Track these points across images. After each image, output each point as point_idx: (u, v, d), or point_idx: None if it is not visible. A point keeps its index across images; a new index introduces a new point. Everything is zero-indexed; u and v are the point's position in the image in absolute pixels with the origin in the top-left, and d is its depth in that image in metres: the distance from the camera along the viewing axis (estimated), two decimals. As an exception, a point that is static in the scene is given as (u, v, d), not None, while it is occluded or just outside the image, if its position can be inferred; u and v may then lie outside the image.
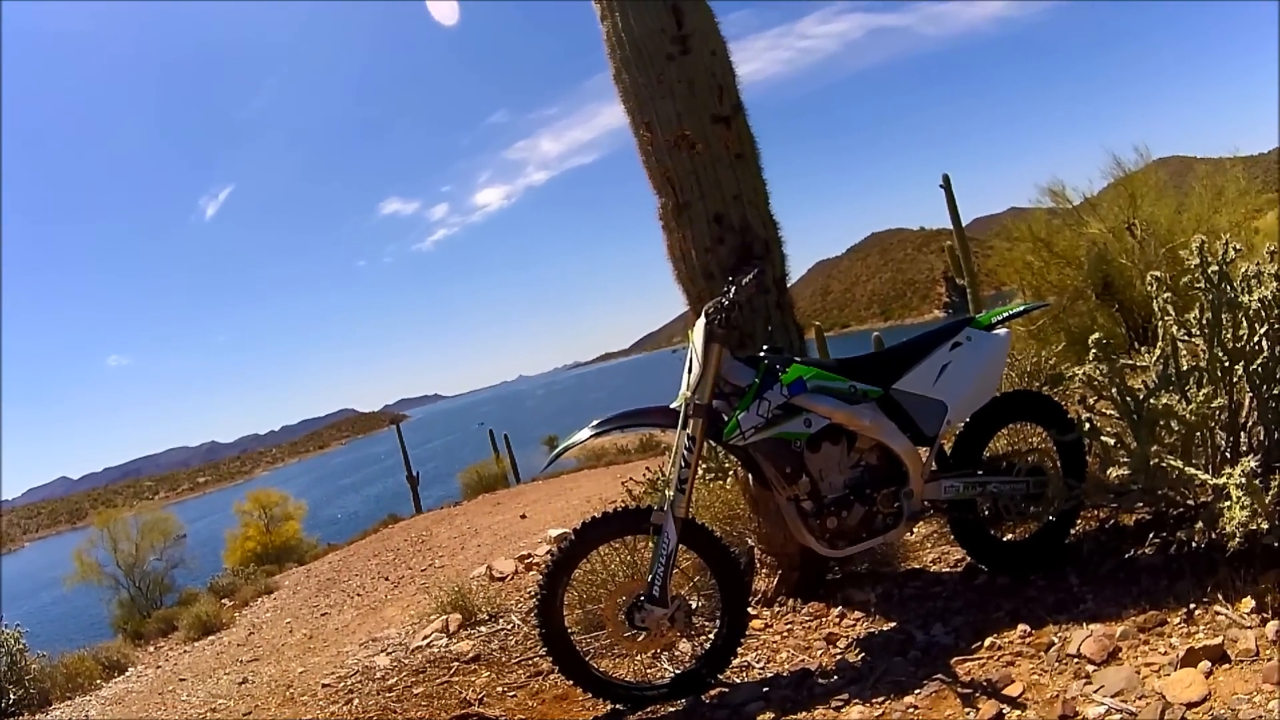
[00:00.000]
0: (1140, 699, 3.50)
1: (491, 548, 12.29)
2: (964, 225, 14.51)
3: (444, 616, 6.98)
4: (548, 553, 9.42)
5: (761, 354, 4.75)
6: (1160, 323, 4.49)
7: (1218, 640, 3.62)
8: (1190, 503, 4.38)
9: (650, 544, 4.61)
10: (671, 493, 4.52)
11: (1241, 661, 3.51)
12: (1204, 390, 4.14)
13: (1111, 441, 4.59)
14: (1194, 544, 4.20)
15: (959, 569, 5.49)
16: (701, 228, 5.33)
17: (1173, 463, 4.15)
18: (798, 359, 4.81)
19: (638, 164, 5.48)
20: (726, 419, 4.63)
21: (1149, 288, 4.60)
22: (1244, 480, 3.73)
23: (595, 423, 4.75)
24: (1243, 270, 4.30)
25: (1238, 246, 4.32)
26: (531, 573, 8.84)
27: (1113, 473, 4.40)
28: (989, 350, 4.97)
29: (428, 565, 12.76)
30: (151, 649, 12.80)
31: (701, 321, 4.56)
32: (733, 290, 4.61)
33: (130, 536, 22.46)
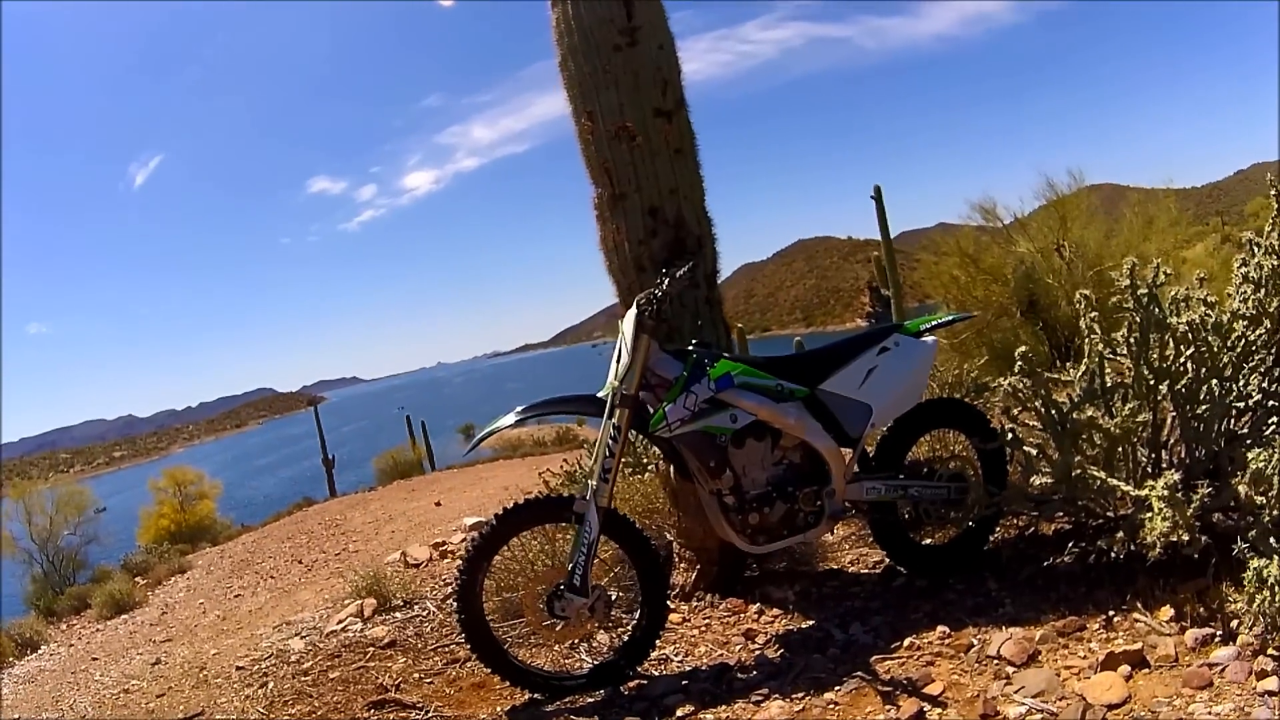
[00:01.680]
0: (1061, 700, 3.54)
1: (406, 534, 12.26)
2: (892, 238, 14.63)
3: (359, 601, 6.88)
4: (464, 541, 9.39)
5: (690, 348, 4.72)
6: (1086, 339, 4.58)
7: (1137, 646, 3.71)
8: (1109, 514, 4.49)
9: (571, 533, 4.56)
10: (594, 482, 4.47)
11: (1161, 667, 3.60)
12: (1129, 405, 4.25)
13: (1034, 452, 4.67)
14: (1113, 554, 4.25)
15: (877, 570, 5.52)
16: (636, 220, 5.30)
17: (1095, 473, 4.22)
18: (726, 355, 4.80)
19: (569, 157, 5.46)
20: (652, 410, 4.61)
21: (1077, 305, 4.65)
22: (1166, 493, 3.81)
23: (520, 409, 4.69)
24: (1171, 294, 4.40)
25: (1168, 271, 4.41)
26: (446, 560, 8.83)
27: (1036, 481, 4.45)
28: (915, 357, 5.01)
29: (341, 550, 12.68)
30: (64, 626, 12.51)
31: (632, 312, 4.53)
32: (666, 282, 4.58)
33: (45, 510, 21.95)
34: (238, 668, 6.25)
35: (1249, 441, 4.17)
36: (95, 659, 9.19)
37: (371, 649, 5.82)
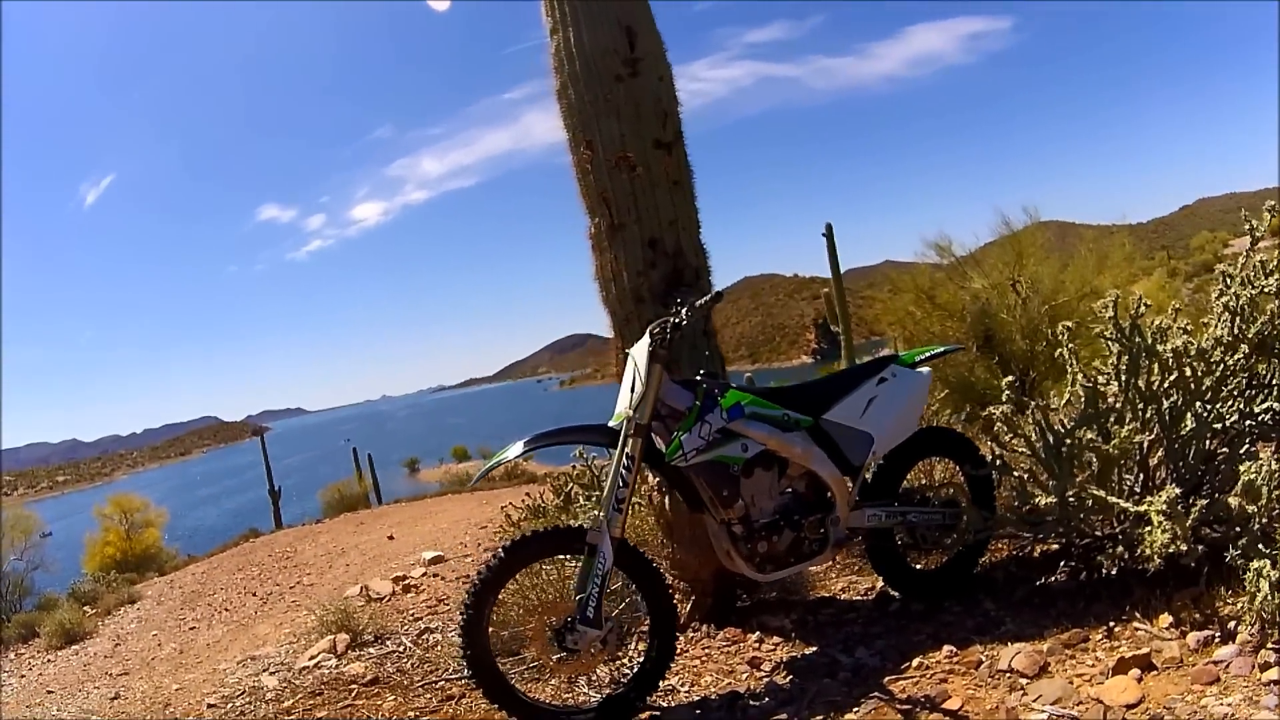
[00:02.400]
0: (1079, 704, 3.64)
1: (361, 568, 12.03)
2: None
3: (330, 637, 6.72)
4: (424, 575, 9.41)
5: (698, 378, 4.71)
6: (1069, 368, 4.75)
7: (1144, 651, 3.83)
8: (1098, 533, 4.63)
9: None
10: (607, 512, 4.40)
11: (1168, 668, 3.73)
12: (1128, 427, 4.38)
13: (1024, 476, 4.83)
14: (1106, 569, 4.43)
15: (870, 596, 5.56)
16: (635, 251, 5.29)
17: (1095, 493, 4.36)
18: (733, 385, 4.83)
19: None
20: (660, 441, 4.60)
21: (1060, 336, 4.81)
22: (1165, 507, 3.98)
23: (527, 439, 4.58)
24: (1155, 323, 4.55)
25: (1147, 302, 4.60)
26: (410, 594, 8.70)
27: (1040, 501, 4.57)
28: (913, 387, 5.09)
29: (295, 582, 12.43)
30: (13, 655, 12.10)
31: (646, 341, 4.50)
32: (685, 311, 4.54)
33: (-10, 533, 21.27)
34: (209, 705, 6.07)
35: (1229, 459, 4.39)
36: (50, 692, 8.84)
37: (355, 686, 5.67)
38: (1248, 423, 4.48)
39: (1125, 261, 11.77)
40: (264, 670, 6.65)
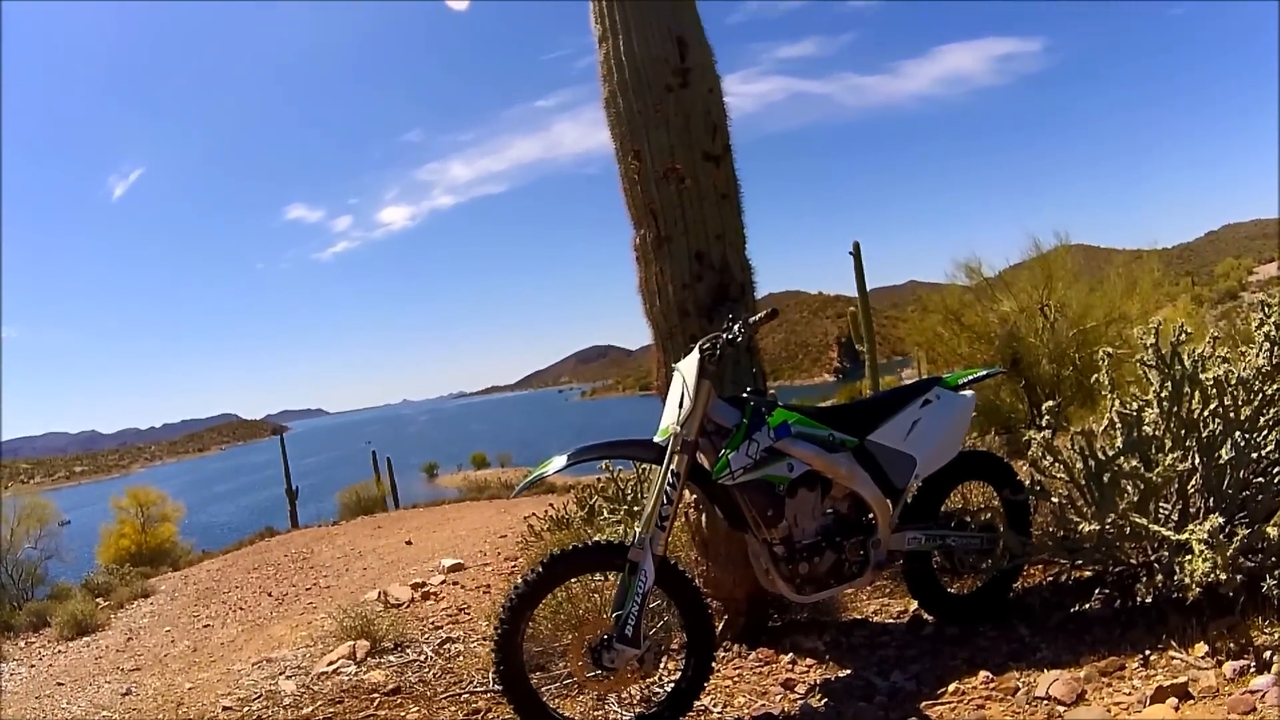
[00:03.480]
0: None
1: (379, 572, 11.96)
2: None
3: (350, 643, 6.62)
4: (443, 582, 9.34)
5: (745, 395, 4.66)
6: (1107, 395, 4.74)
7: (1181, 680, 3.80)
8: (1134, 560, 4.60)
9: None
10: (650, 530, 4.30)
11: (1204, 697, 3.68)
12: (1171, 455, 4.34)
13: (1062, 502, 4.81)
14: (1142, 597, 4.40)
15: (902, 620, 5.51)
16: (682, 263, 5.23)
17: (1138, 520, 4.34)
18: (780, 403, 4.75)
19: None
20: (705, 458, 4.51)
21: (1100, 363, 4.78)
22: (1208, 536, 3.97)
23: (571, 452, 4.51)
24: (1195, 351, 4.55)
25: (1189, 329, 4.58)
26: (429, 602, 8.61)
27: (1084, 528, 4.51)
28: (956, 410, 5.03)
29: (312, 584, 12.36)
30: (23, 643, 12.00)
31: (695, 356, 4.44)
32: (737, 327, 4.48)
33: (8, 520, 21.15)
34: (224, 707, 5.99)
35: (1265, 488, 4.37)
36: (60, 684, 8.78)
37: (376, 695, 5.59)
38: None
39: (1153, 288, 11.67)
40: (281, 674, 6.58)
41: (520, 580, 4.39)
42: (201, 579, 15.66)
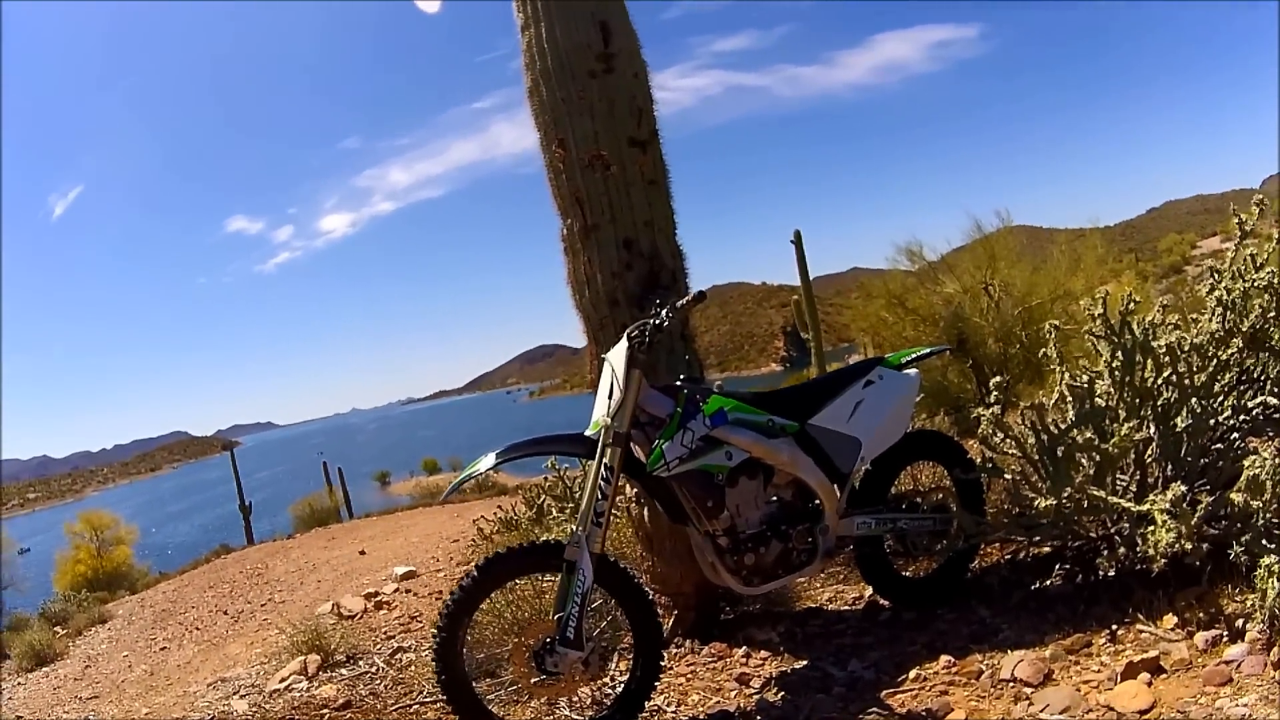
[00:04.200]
0: (1089, 713, 3.49)
1: (333, 584, 11.67)
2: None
3: (301, 658, 6.36)
4: (395, 591, 9.09)
5: (679, 383, 4.45)
6: (1057, 368, 4.57)
7: (1152, 654, 3.67)
8: (1092, 534, 4.50)
9: (555, 581, 4.21)
10: (586, 527, 4.09)
11: (1177, 670, 3.57)
12: (1127, 425, 4.21)
13: (1016, 479, 4.67)
14: (1104, 571, 4.27)
15: (858, 606, 5.31)
16: (610, 252, 5.01)
17: (1096, 493, 4.18)
18: (715, 389, 4.56)
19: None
20: (640, 450, 4.32)
21: (1047, 336, 4.66)
22: (1170, 505, 3.84)
23: (499, 450, 4.29)
24: (1145, 320, 4.45)
25: (1136, 299, 4.47)
26: (382, 611, 8.35)
27: (1040, 504, 4.35)
28: (900, 389, 4.86)
29: (267, 600, 11.99)
30: (-18, 678, 11.74)
31: (624, 344, 4.22)
32: (664, 312, 4.27)
33: (-35, 552, 20.72)
34: (180, 732, 5.67)
35: (1224, 455, 4.29)
36: (20, 717, 8.48)
37: (326, 711, 5.36)
38: (1241, 418, 4.35)
39: (1097, 264, 11.64)
40: (234, 693, 6.33)
41: (456, 586, 4.17)
42: (158, 601, 15.26)
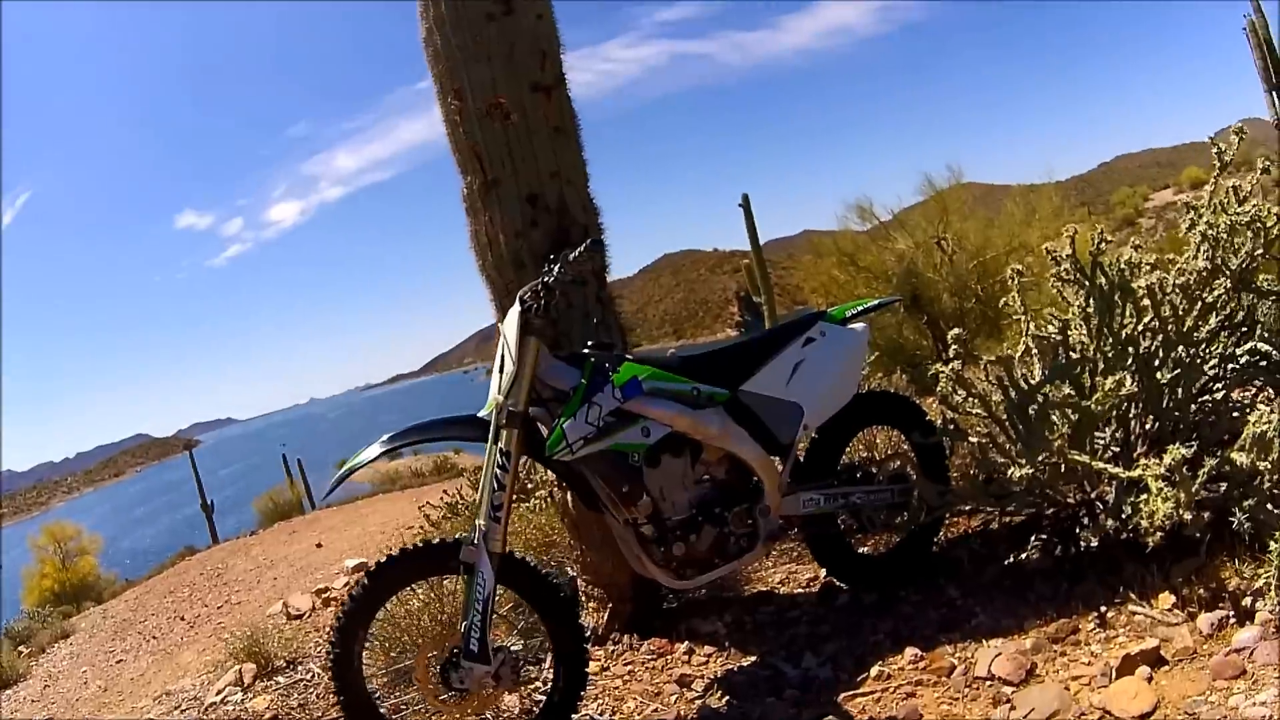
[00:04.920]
0: (1081, 717, 2.97)
1: (288, 580, 11.14)
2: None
3: (238, 666, 5.85)
4: (346, 585, 8.38)
5: (586, 351, 3.79)
6: (1021, 318, 4.15)
7: (1152, 643, 3.16)
8: (1070, 501, 3.90)
9: (461, 584, 3.61)
10: (483, 522, 3.48)
11: (1181, 661, 3.09)
12: (1112, 379, 3.61)
13: (983, 442, 4.10)
14: (1085, 543, 3.66)
15: (813, 589, 4.69)
16: (513, 208, 4.35)
17: (1077, 458, 3.60)
18: (629, 356, 3.87)
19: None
20: (547, 430, 3.66)
21: (1010, 282, 4.17)
22: (1168, 471, 3.28)
23: (385, 438, 3.69)
24: (1121, 259, 3.91)
25: (1109, 238, 3.96)
26: (330, 609, 7.76)
27: (1015, 473, 3.75)
28: (847, 346, 4.21)
29: (224, 602, 11.41)
30: (-52, 707, 11.15)
31: (516, 309, 3.57)
32: (558, 268, 3.61)
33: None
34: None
35: (1215, 409, 3.82)
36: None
37: (253, 724, 4.78)
38: (1229, 367, 3.83)
39: (1053, 215, 11.21)
40: (176, 708, 5.85)
41: (347, 596, 3.60)
42: (119, 611, 14.56)
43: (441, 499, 9.53)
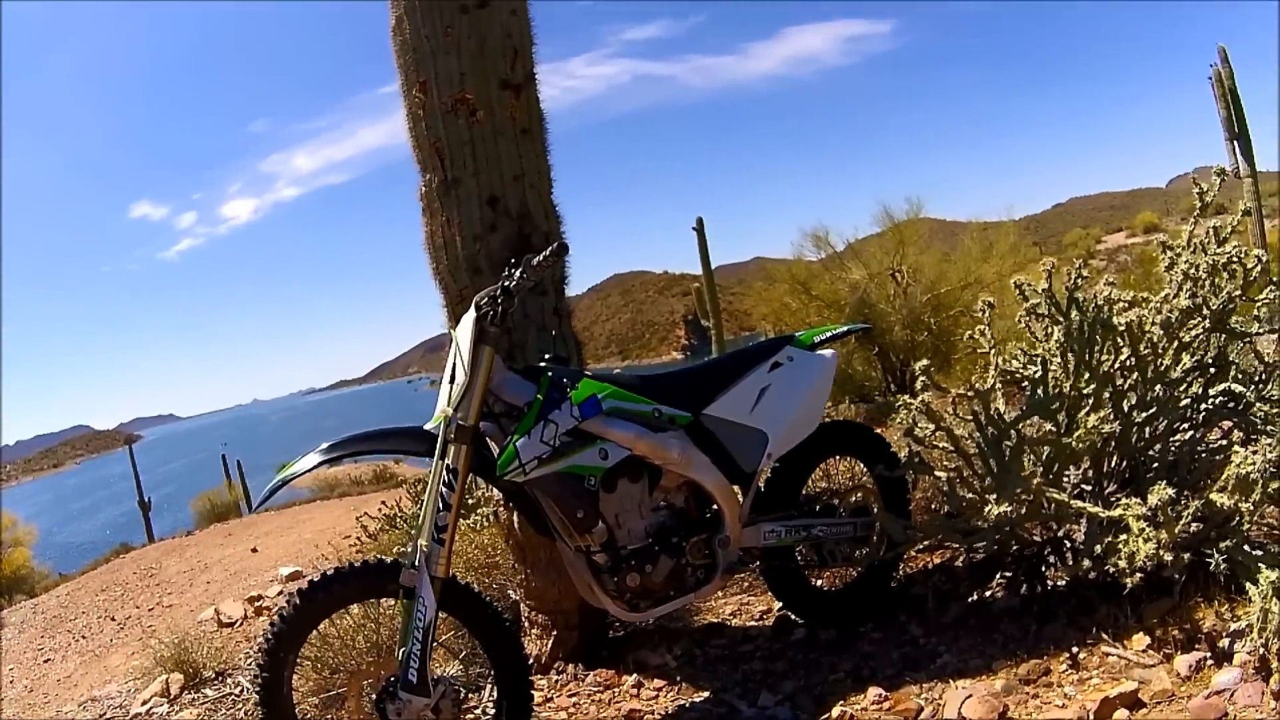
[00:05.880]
0: None
1: (222, 585, 10.70)
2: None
3: (165, 676, 5.48)
4: (280, 594, 8.11)
5: (543, 364, 3.49)
6: (990, 351, 3.98)
7: (1131, 686, 2.99)
8: (1036, 539, 3.80)
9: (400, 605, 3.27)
10: (425, 543, 3.14)
11: (1159, 703, 2.94)
12: (1096, 415, 3.47)
13: (950, 477, 3.88)
14: (1052, 582, 3.66)
15: (766, 622, 4.41)
16: (472, 210, 4.06)
17: (1056, 496, 3.44)
18: (588, 373, 3.59)
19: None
20: (496, 446, 3.36)
21: (980, 314, 4.05)
22: (1151, 511, 3.16)
23: (324, 447, 3.32)
24: (1100, 295, 3.73)
25: (1085, 273, 3.81)
26: (263, 618, 7.39)
27: (991, 510, 3.50)
28: (814, 372, 3.95)
29: (155, 604, 10.92)
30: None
31: (471, 315, 3.25)
32: (519, 272, 3.28)
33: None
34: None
35: (1187, 449, 3.68)
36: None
37: (177, 741, 4.38)
38: (1203, 407, 3.70)
39: (1010, 251, 11.14)
40: (101, 715, 5.56)
41: (276, 617, 3.23)
42: (50, 607, 13.91)
43: (380, 510, 9.16)
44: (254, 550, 13.23)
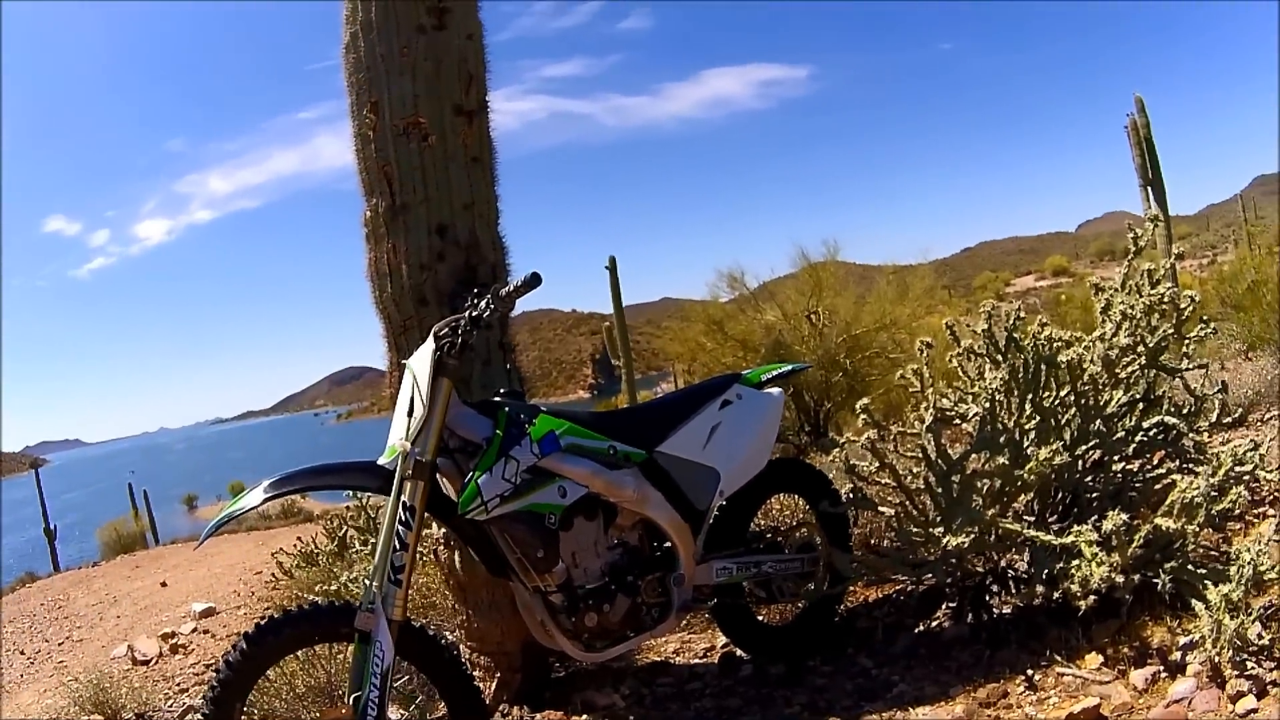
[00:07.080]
0: None
1: (133, 620, 10.12)
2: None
3: (85, 718, 5.14)
4: (194, 631, 7.80)
5: (498, 399, 3.28)
6: (926, 390, 3.94)
7: (1091, 701, 2.97)
8: (979, 569, 3.78)
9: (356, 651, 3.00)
10: (380, 585, 2.90)
11: (1121, 715, 2.93)
12: (1047, 448, 3.44)
13: (897, 512, 3.79)
14: (998, 610, 3.70)
15: (712, 659, 4.23)
16: (420, 238, 3.84)
17: (1010, 526, 3.46)
18: (543, 408, 3.37)
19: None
20: (447, 483, 3.17)
21: (918, 353, 3.98)
22: (1103, 537, 3.19)
23: (270, 482, 3.04)
24: (1041, 335, 3.76)
25: (1023, 313, 3.81)
26: (178, 656, 7.06)
27: (949, 541, 3.47)
28: (764, 410, 3.82)
29: (65, 638, 10.22)
30: None
31: (429, 346, 3.04)
32: (485, 303, 3.10)
33: None
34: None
35: (1129, 478, 3.76)
36: None
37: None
38: (1137, 438, 3.74)
39: (925, 294, 11.21)
40: None
41: (222, 662, 2.91)
42: (-46, 639, 13.39)
43: (295, 546, 8.77)
44: (163, 584, 12.66)
